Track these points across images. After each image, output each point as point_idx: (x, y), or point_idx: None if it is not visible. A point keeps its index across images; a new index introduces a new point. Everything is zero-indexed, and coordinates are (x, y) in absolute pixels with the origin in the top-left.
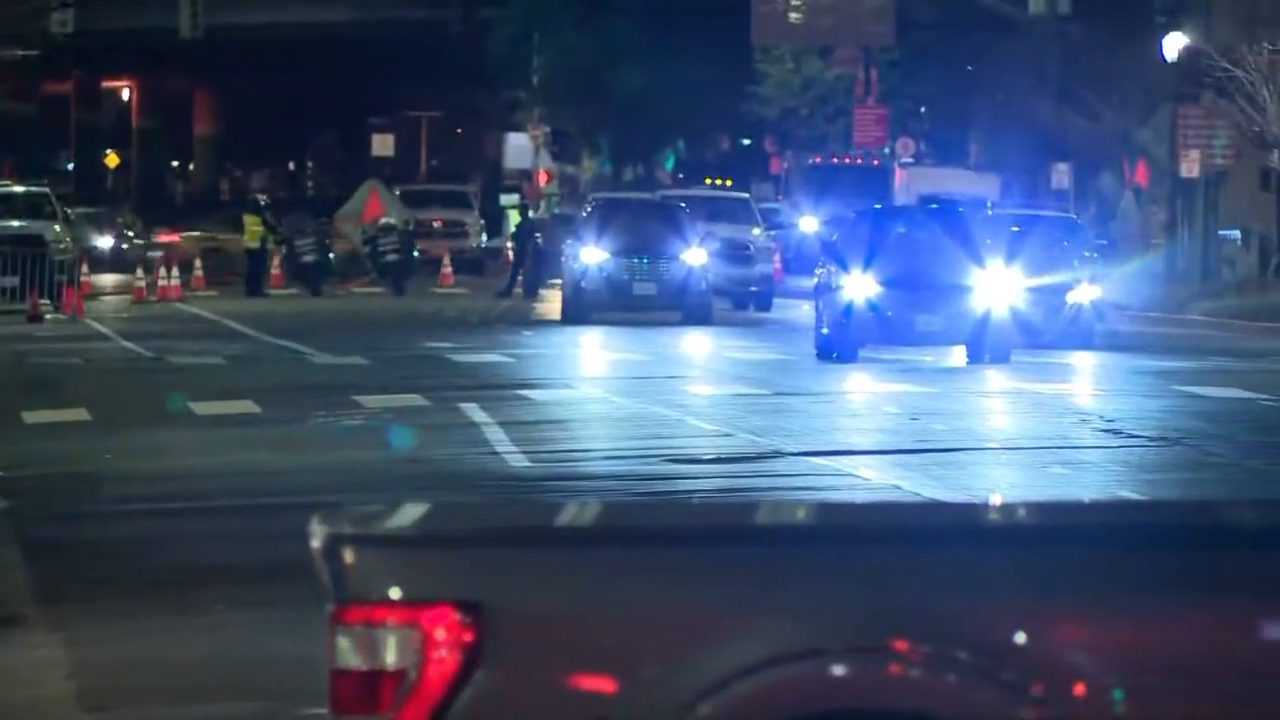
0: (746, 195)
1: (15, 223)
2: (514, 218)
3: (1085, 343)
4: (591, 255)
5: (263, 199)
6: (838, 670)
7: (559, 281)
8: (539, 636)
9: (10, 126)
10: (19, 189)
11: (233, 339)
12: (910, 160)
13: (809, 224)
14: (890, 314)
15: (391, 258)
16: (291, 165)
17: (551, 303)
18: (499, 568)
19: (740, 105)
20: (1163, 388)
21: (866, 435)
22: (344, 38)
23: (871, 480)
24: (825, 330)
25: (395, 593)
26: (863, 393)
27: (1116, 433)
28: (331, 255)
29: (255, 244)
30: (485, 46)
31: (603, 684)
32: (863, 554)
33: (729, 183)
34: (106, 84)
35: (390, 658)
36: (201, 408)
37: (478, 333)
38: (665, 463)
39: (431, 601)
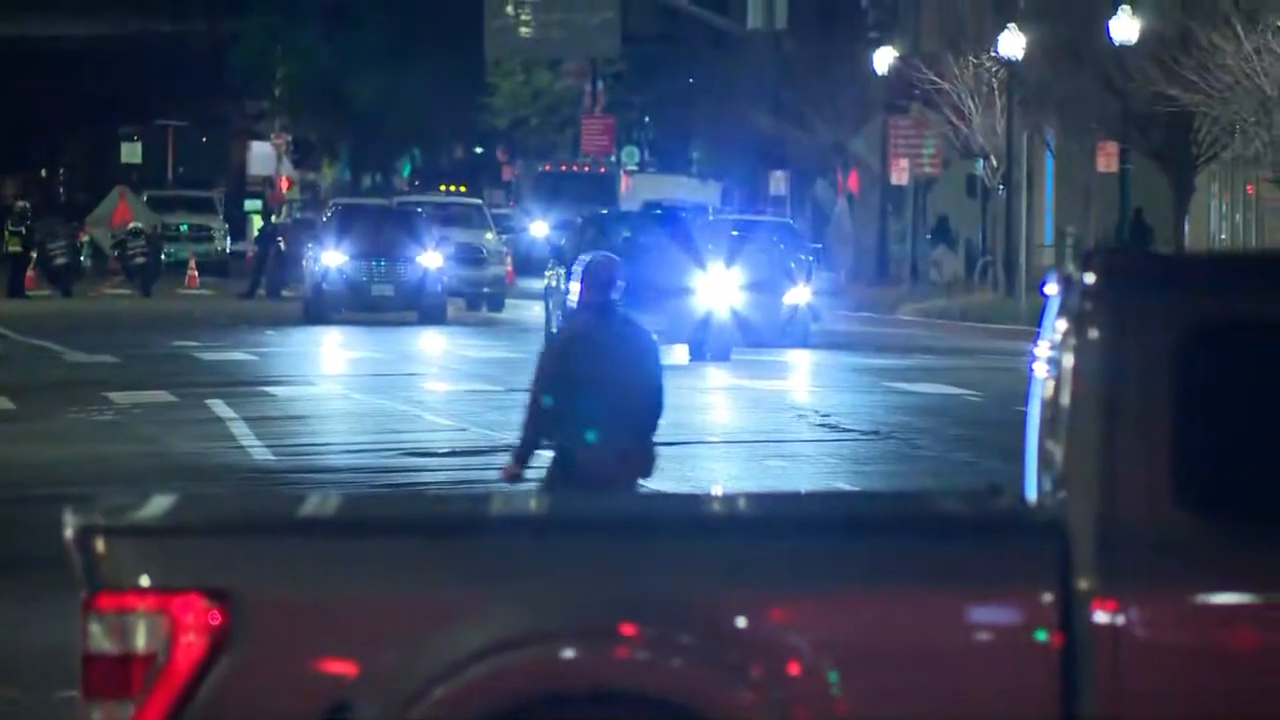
0: (479, 201)
1: None
2: (257, 222)
3: (802, 341)
4: (332, 258)
5: (24, 205)
6: (565, 653)
7: (301, 283)
8: (284, 623)
9: None
10: None
11: None
12: (635, 167)
13: (539, 228)
14: None
15: (139, 260)
16: (44, 172)
17: (293, 303)
18: (245, 557)
19: (474, 115)
20: (874, 384)
21: None
22: (94, 49)
23: None
24: (554, 330)
25: (145, 581)
26: None
27: (831, 427)
28: (83, 258)
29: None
30: (230, 58)
31: (344, 668)
32: (591, 543)
33: (463, 189)
34: None
35: (140, 643)
36: None
37: (223, 332)
38: (403, 456)
39: (180, 589)
